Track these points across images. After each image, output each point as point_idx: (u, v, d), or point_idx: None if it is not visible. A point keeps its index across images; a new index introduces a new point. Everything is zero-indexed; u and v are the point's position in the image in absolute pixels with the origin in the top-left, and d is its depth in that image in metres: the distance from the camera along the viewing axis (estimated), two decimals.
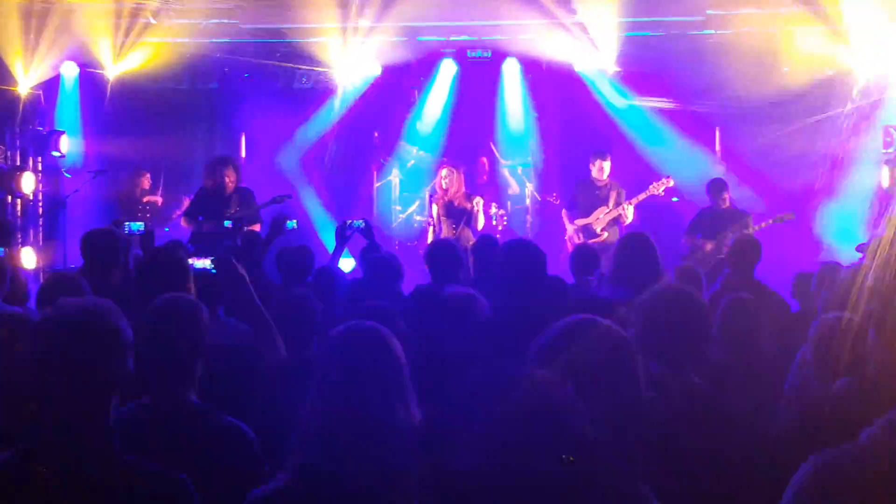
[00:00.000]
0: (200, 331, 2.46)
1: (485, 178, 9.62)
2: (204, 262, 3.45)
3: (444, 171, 7.74)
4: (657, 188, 7.98)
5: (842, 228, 8.19)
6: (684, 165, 8.96)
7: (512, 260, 3.19)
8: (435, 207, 7.77)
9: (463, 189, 7.69)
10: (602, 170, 8.03)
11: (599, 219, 7.99)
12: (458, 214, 7.46)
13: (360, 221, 5.07)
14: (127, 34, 9.14)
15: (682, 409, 2.24)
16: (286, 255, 4.69)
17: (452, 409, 1.43)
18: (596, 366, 1.66)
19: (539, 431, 1.34)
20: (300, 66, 9.39)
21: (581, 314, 1.83)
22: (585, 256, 5.14)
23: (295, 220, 5.64)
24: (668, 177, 8.02)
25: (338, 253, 5.09)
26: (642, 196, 7.90)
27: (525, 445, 1.33)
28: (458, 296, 2.88)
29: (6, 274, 3.81)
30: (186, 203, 8.22)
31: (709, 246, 7.39)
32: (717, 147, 9.71)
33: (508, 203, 9.62)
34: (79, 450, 1.84)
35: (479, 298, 2.89)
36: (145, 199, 9.39)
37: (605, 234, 7.86)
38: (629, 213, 7.85)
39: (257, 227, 6.74)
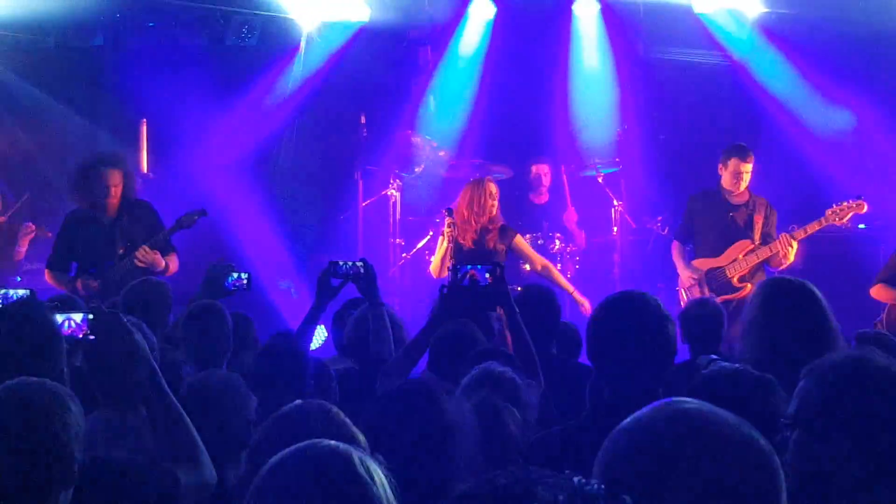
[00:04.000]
0: (65, 443, 2.06)
1: (544, 195, 7.22)
2: (73, 319, 2.68)
3: (492, 188, 6.02)
4: (840, 215, 5.93)
5: None
6: (880, 172, 6.94)
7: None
8: (444, 244, 6.02)
9: (496, 215, 6.06)
10: (740, 177, 5.98)
11: (738, 260, 5.98)
12: (485, 261, 5.72)
13: (361, 263, 3.95)
14: None
15: None
16: (199, 314, 3.87)
17: None
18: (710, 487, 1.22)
19: None
20: (237, 10, 7.44)
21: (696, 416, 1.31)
22: (703, 319, 4.09)
23: (246, 274, 4.49)
24: (858, 198, 5.95)
25: (316, 314, 4.02)
26: (814, 226, 5.89)
27: None
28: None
29: None
30: (28, 236, 6.87)
31: None
32: None
33: (576, 238, 7.16)
34: None
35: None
36: None
37: (748, 287, 5.91)
38: (790, 252, 5.90)
39: (173, 263, 5.53)
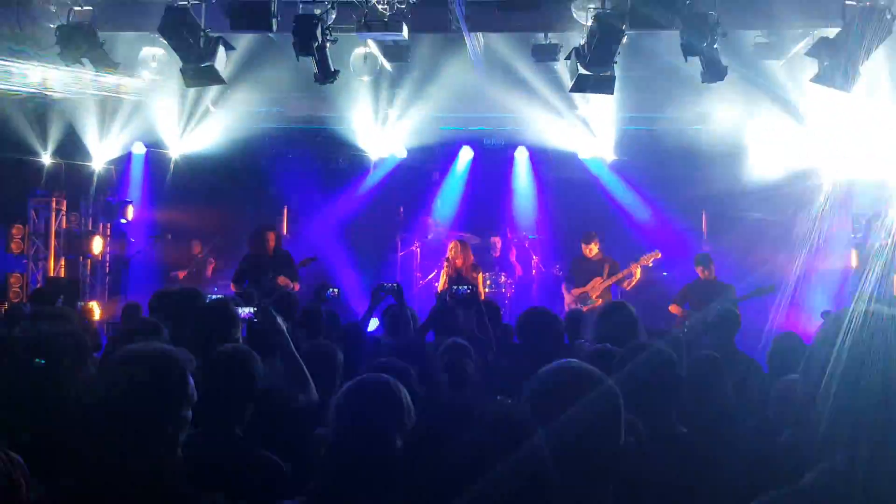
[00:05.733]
0: (253, 378, 2.63)
1: (496, 253, 9.63)
2: (246, 310, 3.52)
3: (451, 244, 7.79)
4: (647, 260, 8.03)
5: (819, 302, 8.11)
6: (675, 243, 9.13)
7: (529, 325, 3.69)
8: (444, 276, 7.77)
9: (471, 261, 7.74)
10: (591, 250, 8.11)
11: (594, 287, 8.03)
12: (463, 284, 6.94)
13: (396, 284, 4.78)
14: (189, 120, 9.44)
15: (664, 455, 2.28)
16: (308, 311, 4.72)
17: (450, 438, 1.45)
18: (582, 406, 1.60)
19: (498, 457, 1.37)
20: (337, 149, 9.65)
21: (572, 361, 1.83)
22: (574, 321, 4.97)
23: (337, 290, 5.57)
24: (655, 250, 8.10)
25: (370, 313, 4.97)
26: (635, 266, 7.99)
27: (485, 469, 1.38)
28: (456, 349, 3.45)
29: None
30: (211, 265, 8.87)
31: (694, 315, 6.98)
32: (704, 228, 9.83)
33: (516, 273, 9.62)
34: (151, 478, 1.80)
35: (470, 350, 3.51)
36: (210, 266, 9.45)
37: (600, 301, 7.88)
38: (634, 277, 7.86)
39: (296, 287, 6.93)
